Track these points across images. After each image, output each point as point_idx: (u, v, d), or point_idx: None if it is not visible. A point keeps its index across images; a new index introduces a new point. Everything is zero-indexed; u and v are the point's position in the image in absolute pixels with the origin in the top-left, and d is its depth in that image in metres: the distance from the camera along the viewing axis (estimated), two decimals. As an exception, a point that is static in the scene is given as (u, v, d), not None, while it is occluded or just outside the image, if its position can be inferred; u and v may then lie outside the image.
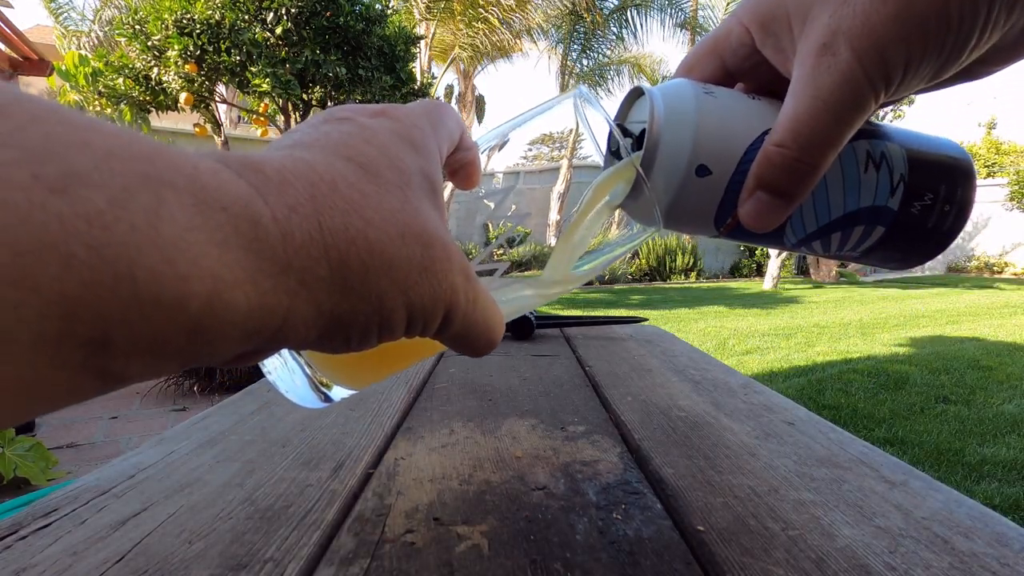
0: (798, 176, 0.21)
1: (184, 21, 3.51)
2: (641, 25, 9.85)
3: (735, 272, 11.90)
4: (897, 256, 0.26)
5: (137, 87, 3.86)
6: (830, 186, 0.24)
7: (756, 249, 11.79)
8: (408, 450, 0.41)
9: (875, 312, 5.98)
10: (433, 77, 8.81)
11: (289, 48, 3.72)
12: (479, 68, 10.38)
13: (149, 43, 3.65)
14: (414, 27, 6.46)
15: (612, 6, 9.60)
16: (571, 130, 0.26)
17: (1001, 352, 3.78)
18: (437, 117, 0.19)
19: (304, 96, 3.89)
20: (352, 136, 0.16)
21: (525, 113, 0.25)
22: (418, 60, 7.90)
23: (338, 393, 0.24)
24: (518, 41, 9.44)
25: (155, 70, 3.76)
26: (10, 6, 4.20)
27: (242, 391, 0.57)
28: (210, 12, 3.53)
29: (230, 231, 0.12)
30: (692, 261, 10.58)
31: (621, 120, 0.27)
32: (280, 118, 4.22)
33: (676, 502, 0.33)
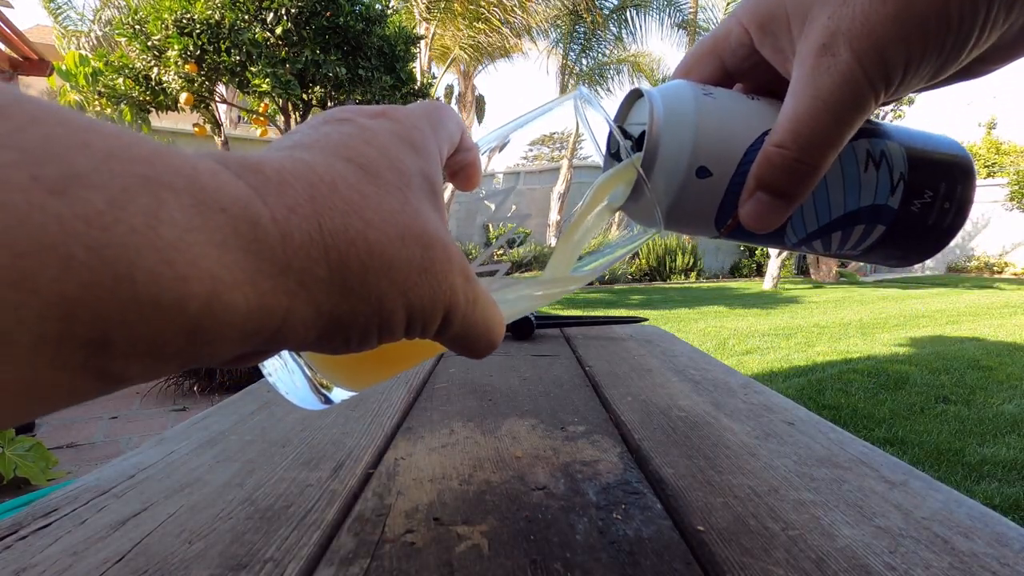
0: (798, 177, 0.21)
1: (184, 21, 3.51)
2: (640, 25, 9.86)
3: (735, 272, 11.91)
4: (898, 254, 0.26)
5: (137, 87, 3.86)
6: (830, 186, 0.24)
7: (756, 249, 11.80)
8: (408, 450, 0.41)
9: (875, 312, 5.98)
10: (433, 77, 8.81)
11: (289, 48, 3.72)
12: (479, 68, 10.38)
13: (149, 43, 3.65)
14: (414, 27, 6.47)
15: (612, 6, 9.61)
16: (571, 131, 0.26)
17: (1001, 352, 3.78)
18: (437, 118, 0.19)
19: (304, 96, 3.89)
20: (352, 137, 0.16)
21: (526, 114, 0.25)
22: (418, 60, 7.90)
23: (338, 395, 0.24)
24: (518, 41, 9.44)
25: (155, 70, 3.76)
26: (10, 6, 4.20)
27: (242, 391, 0.57)
28: (210, 12, 3.53)
29: (229, 232, 0.12)
30: (692, 261, 10.59)
31: (620, 122, 0.27)
32: (280, 118, 4.22)
33: (676, 502, 0.33)
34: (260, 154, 0.14)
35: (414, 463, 0.39)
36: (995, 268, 13.43)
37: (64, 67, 3.79)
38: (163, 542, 0.29)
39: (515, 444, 0.42)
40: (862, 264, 12.16)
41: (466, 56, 9.40)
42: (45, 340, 0.09)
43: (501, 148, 0.25)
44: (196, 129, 4.54)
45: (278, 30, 3.60)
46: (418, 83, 4.49)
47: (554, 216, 0.26)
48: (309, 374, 0.22)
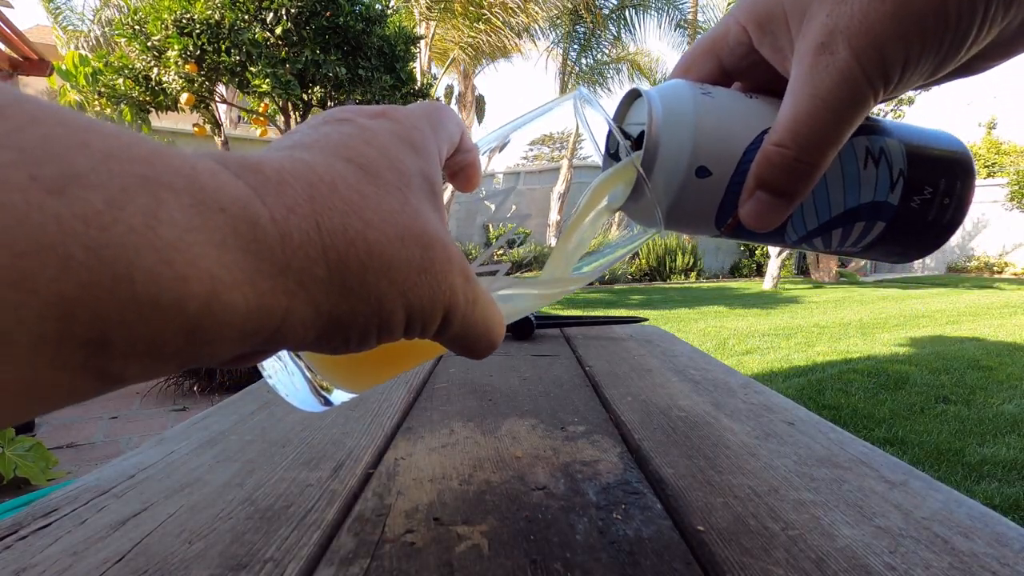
0: (798, 175, 0.21)
1: (184, 21, 3.51)
2: (639, 24, 9.86)
3: (735, 272, 11.91)
4: (898, 250, 0.26)
5: (137, 87, 3.86)
6: (830, 183, 0.24)
7: (756, 249, 11.80)
8: (408, 450, 0.41)
9: (875, 312, 5.98)
10: (433, 77, 8.81)
11: (289, 48, 3.72)
12: (479, 68, 10.38)
13: (149, 43, 3.65)
14: (414, 27, 6.46)
15: (612, 5, 9.61)
16: (571, 132, 0.26)
17: (1001, 352, 3.78)
18: (437, 119, 0.19)
19: (304, 96, 3.89)
20: (352, 137, 0.16)
21: (525, 115, 0.25)
22: (418, 60, 7.90)
23: (338, 397, 0.24)
24: (518, 41, 9.44)
25: (155, 70, 3.76)
26: (10, 6, 4.20)
27: (242, 391, 0.57)
28: (210, 12, 3.53)
29: (228, 232, 0.12)
30: (692, 261, 10.59)
31: (619, 122, 0.27)
32: (280, 118, 4.22)
33: (676, 502, 0.33)
34: (259, 154, 0.14)
35: (414, 463, 0.39)
36: (995, 268, 13.43)
37: (64, 67, 3.79)
38: (163, 542, 0.29)
39: (515, 444, 0.42)
40: (862, 264, 12.17)
41: (466, 56, 9.40)
42: (45, 340, 0.09)
43: (501, 148, 0.25)
44: (196, 129, 4.54)
45: (278, 30, 3.60)
46: (418, 83, 4.49)
47: (554, 216, 0.26)
48: (309, 376, 0.22)
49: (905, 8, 0.18)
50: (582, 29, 9.69)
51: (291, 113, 4.17)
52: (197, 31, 3.54)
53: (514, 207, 0.26)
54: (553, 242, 0.25)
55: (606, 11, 9.60)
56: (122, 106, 3.92)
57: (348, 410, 0.49)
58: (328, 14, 3.70)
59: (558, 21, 9.43)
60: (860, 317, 5.55)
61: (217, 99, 4.22)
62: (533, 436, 0.44)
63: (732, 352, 3.83)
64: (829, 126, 0.20)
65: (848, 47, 0.19)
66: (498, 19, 8.43)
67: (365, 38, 3.89)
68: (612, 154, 0.26)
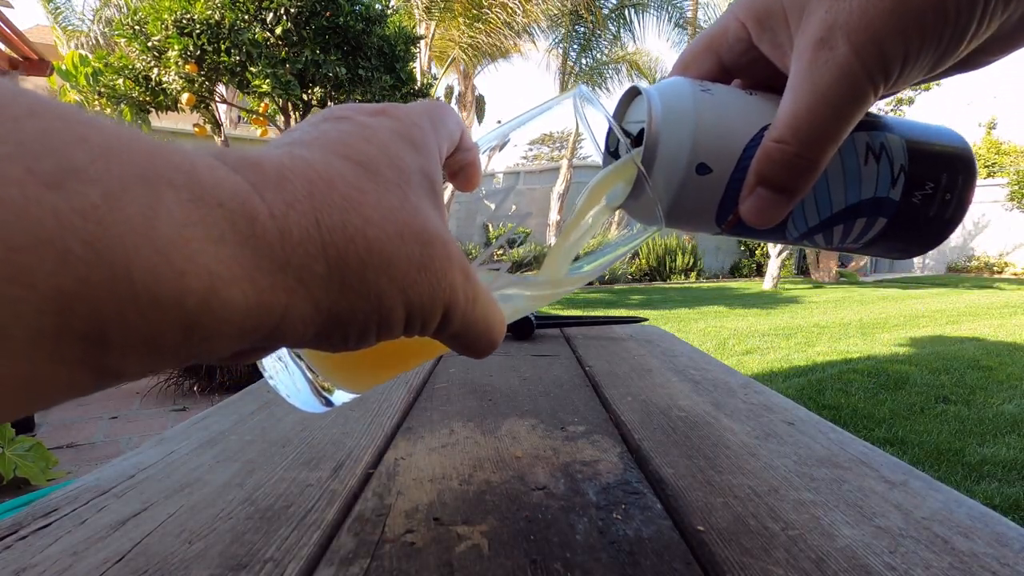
0: (799, 171, 0.21)
1: (184, 21, 3.51)
2: (639, 23, 9.87)
3: (735, 272, 11.91)
4: (900, 246, 0.26)
5: (137, 87, 3.86)
6: (831, 179, 0.24)
7: (756, 249, 11.80)
8: (408, 450, 0.41)
9: (875, 312, 5.98)
10: (433, 77, 8.81)
11: (289, 48, 3.72)
12: (479, 68, 10.38)
13: (149, 43, 3.65)
14: (414, 27, 6.46)
15: (612, 5, 9.61)
16: (571, 130, 0.26)
17: (1001, 352, 3.78)
18: (437, 117, 0.19)
19: (304, 96, 3.89)
20: (351, 135, 0.16)
21: (525, 113, 0.25)
22: (418, 60, 7.89)
23: (339, 397, 0.24)
24: (518, 41, 9.44)
25: (155, 71, 3.76)
26: (10, 6, 4.21)
27: (242, 391, 0.57)
28: (210, 12, 3.53)
29: (227, 227, 0.12)
30: (692, 261, 10.59)
31: (619, 120, 0.27)
32: (280, 118, 4.22)
33: (676, 502, 0.33)
34: (258, 151, 0.14)
35: (414, 463, 0.39)
36: (995, 268, 13.43)
37: (64, 67, 3.79)
38: (163, 542, 0.29)
39: (515, 444, 0.42)
40: (862, 264, 12.16)
41: (466, 56, 9.40)
42: (43, 334, 0.09)
43: (501, 147, 0.25)
44: (196, 129, 4.54)
45: (278, 30, 3.60)
46: (418, 83, 4.50)
47: (554, 216, 0.26)
48: (310, 377, 0.22)
49: (904, 3, 0.18)
50: (582, 29, 9.69)
51: (291, 113, 4.17)
52: (197, 31, 3.54)
53: (514, 206, 0.26)
54: (553, 241, 0.25)
55: (606, 11, 9.61)
56: (122, 106, 3.92)
57: (348, 410, 0.49)
58: (328, 14, 3.70)
59: (559, 21, 9.43)
60: (860, 317, 5.55)
61: (217, 99, 4.22)
62: (533, 436, 0.44)
63: (732, 352, 3.83)
64: (829, 122, 0.20)
65: (847, 42, 0.19)
66: (498, 19, 8.43)
67: (365, 38, 3.89)
68: (612, 152, 0.26)
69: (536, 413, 0.50)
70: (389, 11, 4.27)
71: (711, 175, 0.23)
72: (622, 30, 9.88)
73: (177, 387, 2.68)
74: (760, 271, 11.60)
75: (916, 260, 14.81)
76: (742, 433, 0.44)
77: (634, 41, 10.24)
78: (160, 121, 5.63)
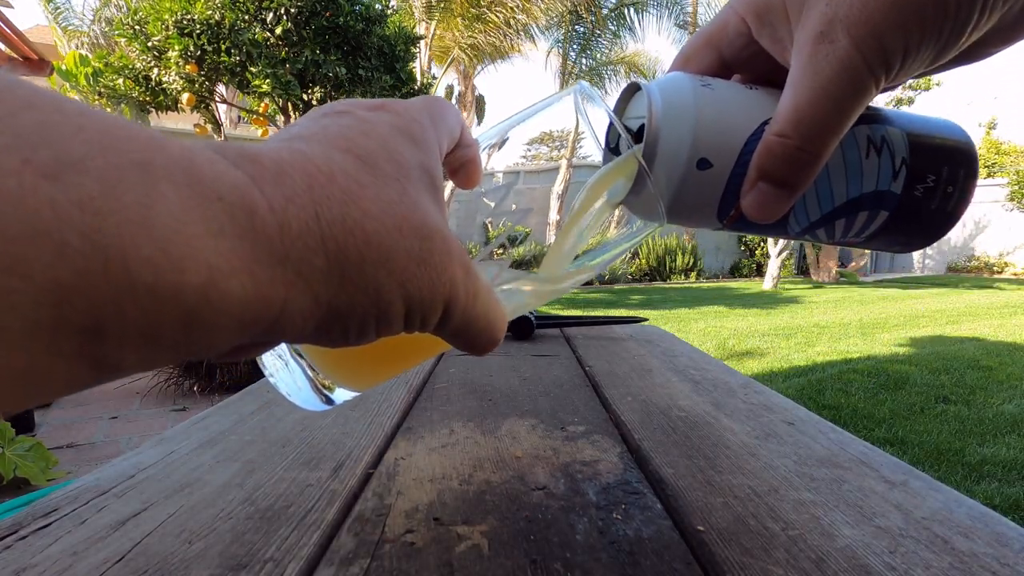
0: (800, 165, 0.21)
1: (184, 22, 3.51)
2: (639, 22, 9.87)
3: (735, 272, 11.91)
4: (901, 240, 0.26)
5: (137, 87, 3.86)
6: (832, 173, 0.24)
7: (756, 249, 11.80)
8: (408, 450, 0.41)
9: (875, 312, 5.98)
10: (433, 77, 8.81)
11: (289, 48, 3.72)
12: (479, 68, 10.38)
13: (149, 44, 3.65)
14: (414, 27, 6.46)
15: (611, 4, 9.61)
16: (571, 129, 0.26)
17: (1001, 352, 3.78)
18: (437, 112, 0.19)
19: (304, 96, 3.89)
20: (351, 129, 0.16)
21: (525, 110, 0.25)
22: (418, 60, 7.89)
23: (340, 396, 0.24)
24: (518, 42, 9.44)
25: (155, 71, 3.76)
26: (10, 6, 4.21)
27: (242, 391, 0.57)
28: (210, 12, 3.53)
29: (226, 220, 0.12)
30: (692, 261, 10.58)
31: (619, 117, 0.27)
32: (280, 118, 4.22)
33: (676, 502, 0.33)
34: (258, 145, 0.14)
35: (414, 463, 0.39)
36: (995, 268, 13.42)
37: (64, 67, 3.79)
38: (163, 542, 0.29)
39: (515, 444, 0.42)
40: (862, 264, 12.16)
41: (466, 56, 9.40)
42: (40, 327, 0.09)
43: (501, 145, 0.25)
44: (197, 129, 4.54)
45: (278, 30, 3.60)
46: (418, 83, 4.49)
47: (553, 215, 0.26)
48: (311, 375, 0.22)
49: None
50: (582, 29, 9.69)
51: (291, 113, 4.16)
52: (197, 31, 3.54)
53: (514, 205, 0.26)
54: (553, 239, 0.25)
55: (605, 11, 9.61)
56: (122, 106, 3.92)
57: (348, 410, 0.49)
58: (328, 14, 3.69)
59: (559, 21, 9.43)
60: (860, 317, 5.55)
61: (217, 99, 4.22)
62: (533, 436, 0.44)
63: (732, 352, 3.83)
64: (830, 115, 0.20)
65: (848, 35, 0.19)
66: (497, 19, 8.43)
67: (365, 38, 3.89)
68: (612, 148, 0.26)
69: (536, 413, 0.50)
70: (389, 11, 4.27)
71: (712, 170, 0.23)
72: (621, 29, 9.89)
73: (177, 387, 2.68)
74: (760, 271, 11.60)
75: (916, 260, 14.81)
76: (742, 433, 0.44)
77: (634, 40, 10.27)
78: (160, 121, 5.64)
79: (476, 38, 8.79)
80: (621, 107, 0.27)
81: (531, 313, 0.86)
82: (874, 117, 0.24)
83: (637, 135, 0.24)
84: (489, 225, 0.25)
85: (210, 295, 0.11)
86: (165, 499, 0.33)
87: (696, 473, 0.36)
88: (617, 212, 0.26)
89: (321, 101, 3.95)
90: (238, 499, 0.33)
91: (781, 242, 8.58)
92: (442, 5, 8.06)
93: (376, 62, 4.02)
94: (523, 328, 0.84)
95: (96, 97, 3.85)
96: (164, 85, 3.81)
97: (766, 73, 0.24)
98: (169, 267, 0.10)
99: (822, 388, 2.89)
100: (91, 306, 0.10)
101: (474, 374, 0.64)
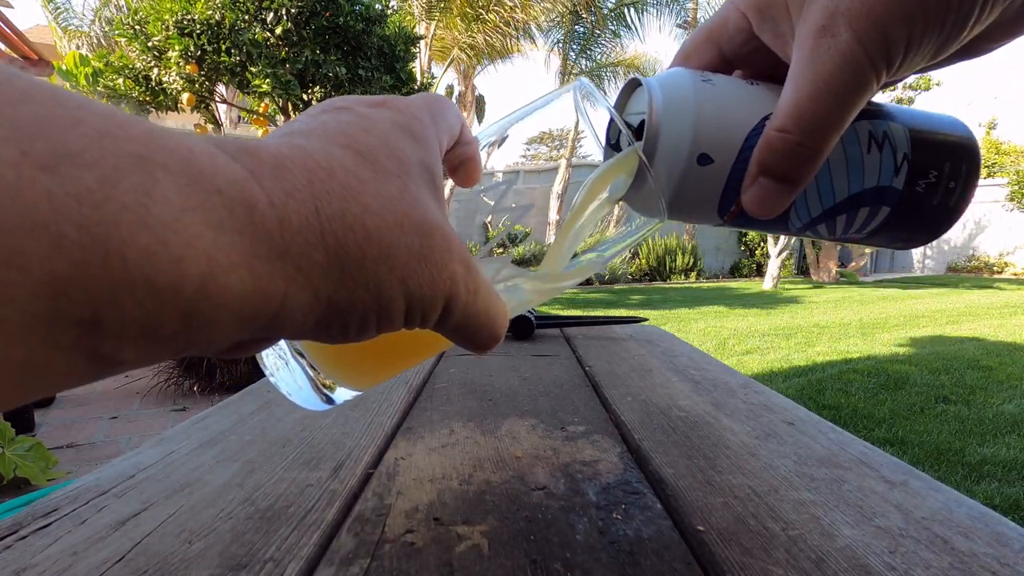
0: (801, 160, 0.21)
1: (184, 22, 3.51)
2: (639, 21, 9.88)
3: (735, 272, 11.91)
4: (903, 235, 0.26)
5: (137, 87, 3.86)
6: (833, 169, 0.24)
7: (756, 249, 11.80)
8: (408, 450, 0.41)
9: (875, 312, 5.98)
10: (433, 77, 8.81)
11: (289, 48, 3.72)
12: (479, 68, 10.38)
13: (149, 44, 3.65)
14: (414, 27, 6.46)
15: (611, 4, 9.62)
16: (570, 128, 0.26)
17: (1001, 352, 3.78)
18: (437, 109, 0.19)
19: (304, 96, 3.89)
20: (351, 125, 0.16)
21: (525, 107, 0.25)
22: (418, 60, 7.89)
23: (341, 395, 0.24)
24: (518, 42, 9.44)
25: (155, 71, 3.76)
26: (10, 6, 4.21)
27: (242, 391, 0.57)
28: (210, 12, 3.53)
29: (225, 214, 0.12)
30: (692, 261, 10.58)
31: (619, 113, 0.27)
32: (280, 118, 4.22)
33: (676, 502, 0.33)
34: (257, 140, 0.14)
35: (414, 463, 0.39)
36: (995, 268, 13.42)
37: (64, 67, 3.79)
38: (163, 542, 0.29)
39: (515, 444, 0.42)
40: (862, 264, 12.15)
41: (466, 56, 9.40)
42: (37, 319, 0.09)
43: (500, 143, 0.25)
44: (197, 129, 4.54)
45: (278, 30, 3.60)
46: (418, 83, 4.50)
47: (553, 215, 0.26)
48: (312, 374, 0.22)
49: None
50: (582, 29, 9.70)
51: (291, 113, 4.16)
52: (197, 31, 3.54)
53: (513, 204, 0.26)
54: (553, 238, 0.25)
55: (605, 11, 9.61)
56: (122, 106, 3.92)
57: (348, 410, 0.49)
58: (328, 14, 3.70)
59: (559, 21, 9.44)
60: (860, 317, 5.55)
61: (217, 99, 4.22)
62: (533, 436, 0.44)
63: (732, 352, 3.83)
64: (832, 109, 0.20)
65: (850, 29, 0.19)
66: (496, 18, 8.43)
67: (365, 38, 3.89)
68: (613, 144, 0.26)
69: (536, 413, 0.50)
70: (389, 11, 4.27)
71: (713, 166, 0.23)
72: (621, 29, 9.90)
73: (177, 387, 2.68)
74: (760, 271, 11.60)
75: (916, 260, 14.81)
76: (742, 433, 0.44)
77: (634, 39, 10.27)
78: (160, 121, 5.64)
79: (476, 38, 8.78)
80: (622, 103, 0.27)
81: (531, 313, 0.86)
82: (876, 112, 0.24)
83: (638, 131, 0.24)
84: (489, 225, 0.25)
85: (209, 288, 0.11)
86: (165, 499, 0.33)
87: (696, 473, 0.36)
88: (617, 209, 0.26)
89: (321, 101, 3.94)
90: (238, 499, 0.33)
91: (781, 242, 8.58)
92: (442, 5, 8.06)
93: (376, 62, 4.02)
94: (523, 328, 0.84)
95: (96, 97, 3.85)
96: (164, 85, 3.81)
97: (767, 69, 0.24)
98: (167, 260, 0.10)
99: (822, 388, 2.89)
100: (88, 298, 0.10)
101: (474, 374, 0.64)
